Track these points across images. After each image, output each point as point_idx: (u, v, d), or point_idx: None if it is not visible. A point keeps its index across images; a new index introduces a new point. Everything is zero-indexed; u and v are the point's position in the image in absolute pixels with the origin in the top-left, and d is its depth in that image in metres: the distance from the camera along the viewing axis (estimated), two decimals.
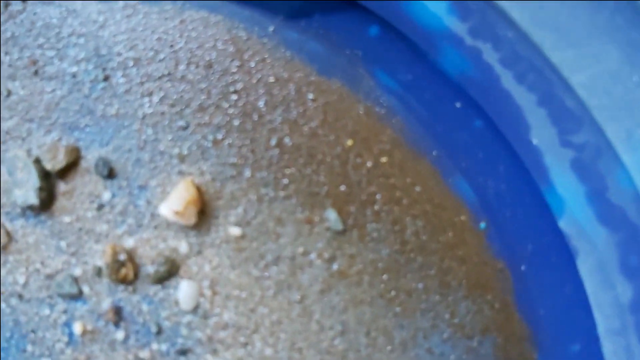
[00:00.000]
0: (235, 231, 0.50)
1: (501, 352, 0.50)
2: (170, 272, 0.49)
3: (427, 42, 0.48)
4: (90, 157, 0.50)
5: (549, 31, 0.42)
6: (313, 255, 0.50)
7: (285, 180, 0.50)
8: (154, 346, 0.49)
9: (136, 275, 0.49)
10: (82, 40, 0.50)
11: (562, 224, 0.46)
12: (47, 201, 0.49)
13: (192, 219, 0.49)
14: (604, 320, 0.46)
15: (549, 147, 0.45)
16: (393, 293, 0.50)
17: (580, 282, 0.46)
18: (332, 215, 0.50)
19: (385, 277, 0.50)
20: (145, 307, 0.49)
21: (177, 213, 0.48)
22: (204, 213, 0.50)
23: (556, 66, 0.43)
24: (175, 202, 0.48)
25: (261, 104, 0.50)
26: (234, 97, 0.50)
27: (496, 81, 0.46)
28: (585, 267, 0.46)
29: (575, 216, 0.46)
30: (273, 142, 0.50)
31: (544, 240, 0.49)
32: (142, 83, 0.50)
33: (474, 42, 0.46)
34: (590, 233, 0.45)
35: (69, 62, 0.50)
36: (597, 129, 0.43)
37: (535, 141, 0.46)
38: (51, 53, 0.51)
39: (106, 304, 0.49)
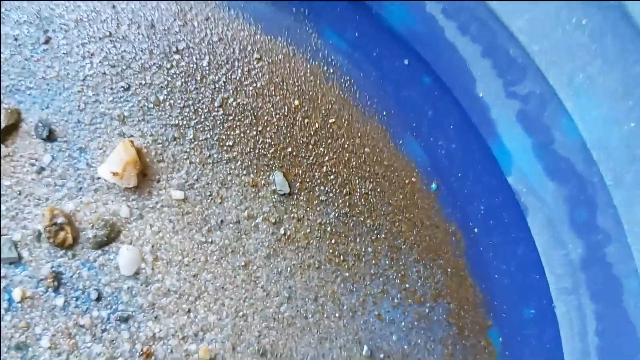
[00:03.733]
0: (177, 194, 0.48)
1: (454, 318, 0.48)
2: (110, 236, 0.48)
3: None
4: (30, 120, 0.49)
5: None
6: (259, 219, 0.49)
7: (230, 142, 0.49)
8: (94, 312, 0.48)
9: (76, 239, 0.48)
10: (24, 3, 0.49)
11: (511, 180, 0.45)
12: None
13: (131, 181, 0.47)
14: (555, 280, 0.44)
15: (495, 100, 0.44)
16: (341, 257, 0.49)
17: (532, 241, 0.45)
18: (278, 177, 0.49)
19: (333, 241, 0.49)
20: (85, 272, 0.48)
21: (115, 174, 0.47)
22: (145, 176, 0.48)
23: (496, 13, 0.41)
24: (113, 163, 0.47)
25: (204, 63, 0.49)
26: (177, 57, 0.49)
27: (440, 33, 0.45)
28: (535, 225, 0.44)
29: (524, 171, 0.44)
30: (217, 102, 0.49)
31: (495, 199, 0.47)
32: (83, 44, 0.49)
33: None
34: (538, 188, 0.44)
35: (10, 26, 0.49)
36: (540, 76, 0.41)
37: (481, 94, 0.44)
38: None
39: (45, 269, 0.48)
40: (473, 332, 0.48)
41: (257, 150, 0.49)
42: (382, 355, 0.48)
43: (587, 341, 0.44)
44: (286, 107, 0.49)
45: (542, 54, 0.40)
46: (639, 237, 0.40)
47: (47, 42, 0.49)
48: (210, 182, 0.49)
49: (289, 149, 0.49)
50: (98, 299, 0.48)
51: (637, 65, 0.38)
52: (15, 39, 0.49)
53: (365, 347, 0.49)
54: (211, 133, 0.49)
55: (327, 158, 0.49)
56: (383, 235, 0.49)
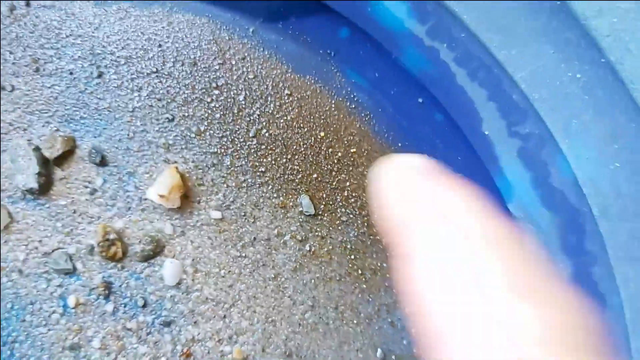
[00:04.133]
0: (215, 214, 0.54)
1: None
2: (155, 251, 0.54)
3: (391, 42, 0.53)
4: (84, 147, 0.55)
5: (494, 32, 0.47)
6: (287, 237, 0.55)
7: (262, 169, 0.55)
8: (140, 318, 0.54)
9: (125, 253, 0.54)
10: (79, 41, 0.55)
11: (512, 207, 0.51)
12: (45, 186, 0.54)
13: (176, 203, 0.53)
14: None
15: (499, 138, 0.50)
16: (359, 271, 0.55)
17: None
18: (305, 200, 0.55)
19: (352, 256, 0.55)
20: (132, 282, 0.54)
21: (162, 197, 0.53)
22: (187, 198, 0.54)
23: (502, 64, 0.47)
24: (160, 187, 0.53)
25: (241, 98, 0.55)
26: (216, 92, 0.55)
27: (452, 78, 0.51)
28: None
29: (523, 200, 0.50)
30: (252, 133, 0.55)
31: None
32: (132, 79, 0.55)
33: (431, 43, 0.51)
34: (535, 216, 0.50)
35: (66, 61, 0.55)
36: (540, 120, 0.47)
37: (486, 132, 0.51)
38: (51, 52, 0.56)
39: (97, 279, 0.54)
40: None
41: (286, 176, 0.55)
42: (393, 358, 0.55)
43: None
44: (313, 138, 0.55)
45: (541, 101, 0.47)
46: (620, 261, 0.46)
47: (99, 76, 0.55)
48: (244, 203, 0.55)
49: (315, 175, 0.55)
50: (144, 305, 0.54)
51: (623, 115, 0.44)
52: (71, 73, 0.55)
53: (379, 351, 0.55)
54: (246, 160, 0.55)
55: (348, 183, 0.55)
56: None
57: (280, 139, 0.55)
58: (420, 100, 0.54)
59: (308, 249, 0.55)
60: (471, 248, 0.18)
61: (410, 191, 0.21)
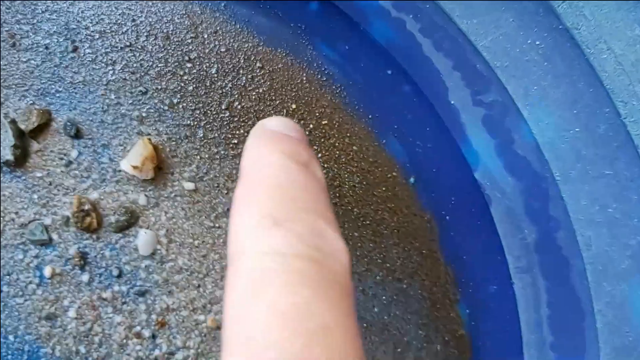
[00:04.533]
0: (189, 186, 0.55)
1: (428, 293, 0.56)
2: (130, 222, 0.55)
3: (359, 14, 0.54)
4: (60, 119, 0.56)
5: (456, 3, 0.48)
6: None
7: (235, 140, 0.56)
8: (115, 287, 0.55)
9: (100, 224, 0.55)
10: (54, 16, 0.56)
11: (478, 175, 0.52)
12: (21, 158, 0.55)
13: (149, 174, 0.54)
14: (513, 261, 0.52)
15: (464, 107, 0.51)
16: None
17: (494, 228, 0.52)
18: None
19: None
20: (107, 252, 0.55)
21: (135, 168, 0.54)
22: (160, 169, 0.55)
23: (465, 33, 0.48)
24: (133, 158, 0.54)
25: (213, 71, 0.56)
26: (189, 65, 0.56)
27: (418, 48, 0.52)
28: (497, 214, 0.52)
29: (488, 168, 0.51)
30: (224, 105, 0.56)
31: (464, 191, 0.55)
32: (106, 53, 0.56)
33: (398, 14, 0.52)
34: (500, 182, 0.51)
35: (42, 35, 0.56)
36: (502, 88, 0.48)
37: (452, 102, 0.52)
38: (27, 27, 0.56)
39: (73, 250, 0.55)
40: (444, 305, 0.56)
41: None
42: (365, 325, 0.56)
43: (540, 312, 0.52)
44: (285, 110, 0.56)
45: (503, 69, 0.48)
46: (582, 224, 0.48)
47: (74, 50, 0.56)
48: (217, 175, 0.56)
49: None
50: (119, 275, 0.55)
51: (581, 80, 0.46)
52: (46, 48, 0.56)
53: None
54: (219, 132, 0.56)
55: (320, 155, 0.56)
56: (367, 222, 0.56)
57: (252, 111, 0.56)
58: (389, 72, 0.55)
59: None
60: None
61: (259, 142, 0.27)
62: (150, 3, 0.56)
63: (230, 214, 0.24)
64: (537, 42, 0.46)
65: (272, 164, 0.25)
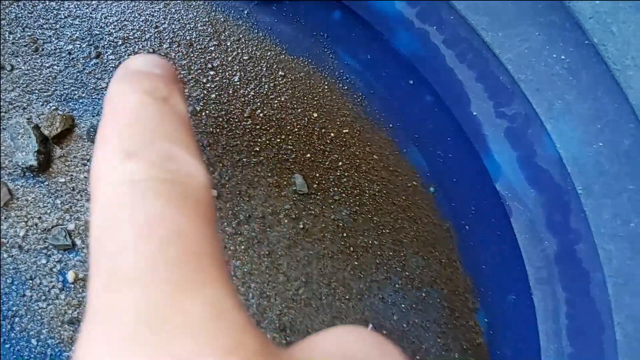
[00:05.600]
0: (211, 192, 0.56)
1: (447, 302, 0.57)
2: None
3: (382, 24, 0.54)
4: (83, 125, 0.56)
5: (482, 15, 0.48)
6: (281, 215, 0.56)
7: (257, 148, 0.56)
8: None
9: None
10: (77, 21, 0.56)
11: (499, 186, 0.53)
12: (44, 163, 0.55)
13: None
14: (533, 272, 0.52)
15: (487, 118, 0.52)
16: (352, 249, 0.57)
17: (514, 239, 0.53)
18: (298, 179, 0.56)
19: (344, 234, 0.57)
20: None
21: None
22: None
23: (490, 46, 0.49)
24: None
25: (236, 79, 0.56)
26: (212, 72, 0.56)
27: (441, 60, 0.52)
28: (517, 225, 0.52)
29: (509, 179, 0.52)
30: (246, 113, 0.56)
31: (484, 202, 0.55)
32: None
33: (422, 25, 0.52)
34: (521, 194, 0.51)
35: (65, 41, 0.56)
36: (526, 101, 0.49)
37: (474, 113, 0.52)
38: (50, 32, 0.57)
39: None
40: (462, 314, 0.57)
41: (280, 156, 0.56)
42: (384, 332, 0.56)
43: (559, 323, 0.52)
44: (306, 119, 0.57)
45: (527, 82, 0.48)
46: (603, 238, 0.48)
47: (97, 56, 0.56)
48: (239, 182, 0.56)
49: (308, 155, 0.57)
50: None
51: (605, 96, 0.46)
52: (69, 53, 0.56)
53: (370, 325, 0.57)
54: (241, 140, 0.56)
55: (340, 163, 0.57)
56: (387, 231, 0.57)
57: (274, 119, 0.56)
58: (411, 82, 0.56)
59: (301, 226, 0.56)
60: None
61: (119, 81, 0.29)
62: (173, 10, 0.56)
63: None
64: (563, 57, 0.47)
65: (130, 101, 0.27)
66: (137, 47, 0.56)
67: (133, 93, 0.27)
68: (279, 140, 0.56)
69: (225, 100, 0.56)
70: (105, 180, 0.24)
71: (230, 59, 0.56)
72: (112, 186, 0.23)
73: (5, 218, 0.56)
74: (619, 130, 0.46)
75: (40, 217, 0.56)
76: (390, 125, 0.56)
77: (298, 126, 0.56)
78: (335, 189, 0.56)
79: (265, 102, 0.56)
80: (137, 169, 0.23)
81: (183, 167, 0.24)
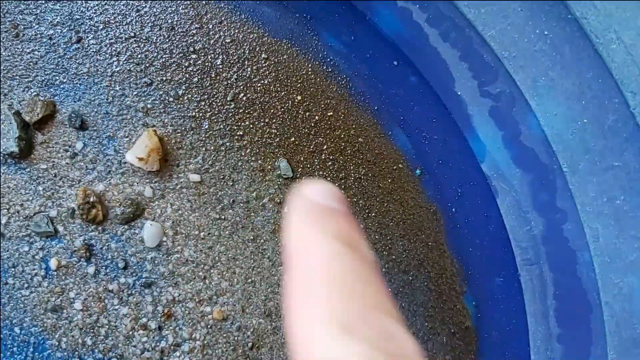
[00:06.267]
0: (194, 177, 0.55)
1: (434, 285, 0.56)
2: (135, 213, 0.55)
3: (365, 4, 0.53)
4: (64, 111, 0.55)
5: None
6: (265, 200, 0.56)
7: (241, 132, 0.56)
8: (122, 280, 0.55)
9: (105, 216, 0.55)
10: (57, 6, 0.56)
11: (484, 167, 0.52)
12: (26, 150, 0.55)
13: (155, 166, 0.54)
14: (520, 252, 0.51)
15: (471, 98, 0.51)
16: None
17: (501, 220, 0.52)
18: (283, 163, 0.56)
19: None
20: (113, 244, 0.55)
21: (140, 159, 0.53)
22: (166, 161, 0.55)
23: (472, 23, 0.48)
24: (139, 150, 0.54)
25: (218, 62, 0.55)
26: (194, 56, 0.55)
27: (425, 39, 0.52)
28: (504, 206, 0.52)
29: (495, 159, 0.51)
30: (229, 97, 0.56)
31: (470, 183, 0.55)
32: (111, 44, 0.55)
33: (404, 4, 0.51)
34: (507, 174, 0.51)
35: (46, 26, 0.56)
36: (509, 79, 0.48)
37: (459, 92, 0.51)
38: (30, 18, 0.56)
39: (78, 242, 0.55)
40: (450, 297, 0.56)
41: (264, 140, 0.56)
42: None
43: (547, 304, 0.51)
44: (290, 102, 0.56)
45: (510, 59, 0.48)
46: (590, 216, 0.47)
47: (78, 41, 0.56)
48: (223, 167, 0.56)
49: (293, 139, 0.56)
50: (125, 267, 0.55)
51: (589, 71, 0.45)
52: (50, 39, 0.55)
53: None
54: (224, 124, 0.56)
55: (325, 147, 0.56)
56: (373, 214, 0.56)
57: (257, 102, 0.56)
58: (395, 62, 0.55)
59: (287, 211, 0.55)
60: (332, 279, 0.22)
61: (304, 221, 0.24)
62: None
63: (286, 309, 0.22)
64: (546, 32, 0.46)
65: (323, 251, 0.23)
66: (118, 31, 0.55)
67: (322, 238, 0.23)
68: (262, 123, 0.56)
69: (207, 84, 0.55)
70: (320, 355, 0.21)
71: (212, 41, 0.55)
72: None
73: None
74: (603, 106, 0.45)
75: (22, 204, 0.55)
76: (375, 107, 0.56)
77: (282, 109, 0.56)
78: (321, 172, 0.56)
79: (248, 85, 0.55)
80: (357, 350, 0.20)
81: (401, 347, 0.21)
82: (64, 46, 0.55)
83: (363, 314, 0.21)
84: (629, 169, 0.45)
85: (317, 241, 0.23)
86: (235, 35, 0.56)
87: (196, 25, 0.55)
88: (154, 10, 0.55)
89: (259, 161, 0.56)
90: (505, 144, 0.51)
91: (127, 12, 0.55)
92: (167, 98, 0.55)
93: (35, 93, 0.55)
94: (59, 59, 0.55)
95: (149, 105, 0.55)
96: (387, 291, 0.24)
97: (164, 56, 0.55)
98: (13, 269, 0.55)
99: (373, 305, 0.22)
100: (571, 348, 0.50)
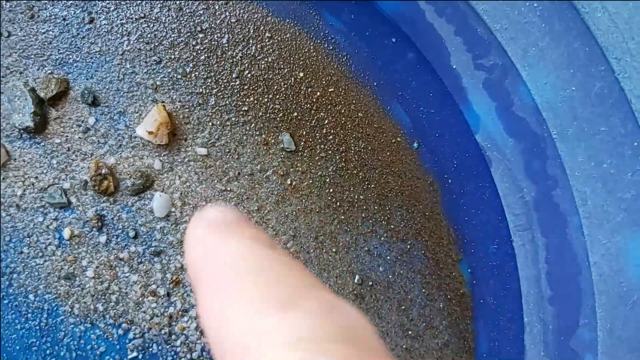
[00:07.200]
0: (201, 151, 0.58)
1: (431, 253, 0.58)
2: (145, 185, 0.57)
3: None
4: (77, 88, 0.58)
5: None
6: (269, 172, 0.58)
7: (245, 108, 0.58)
8: (132, 248, 0.57)
9: (116, 188, 0.57)
10: None
11: (479, 137, 0.54)
12: (40, 125, 0.57)
13: (164, 140, 0.57)
14: (513, 219, 0.54)
15: (466, 71, 0.53)
16: (338, 203, 0.58)
17: (495, 188, 0.54)
18: (286, 137, 0.58)
19: (331, 190, 0.58)
20: (124, 215, 0.58)
21: (150, 133, 0.56)
22: (174, 135, 0.58)
23: None
24: (148, 124, 0.56)
25: (224, 41, 0.58)
26: (201, 35, 0.58)
27: (421, 15, 0.54)
28: (497, 174, 0.54)
29: (489, 130, 0.53)
30: (235, 74, 0.58)
31: (465, 154, 0.57)
32: (121, 24, 0.58)
33: None
34: (500, 144, 0.53)
35: (59, 7, 0.59)
36: (502, 51, 0.50)
37: (454, 66, 0.54)
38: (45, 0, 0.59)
39: (91, 213, 0.57)
40: (446, 264, 0.58)
41: (268, 115, 0.58)
42: (370, 283, 0.58)
43: (539, 268, 0.54)
44: (293, 78, 0.58)
45: (502, 31, 0.50)
46: (578, 180, 0.49)
47: (91, 22, 0.58)
48: (228, 141, 0.58)
49: (295, 114, 0.58)
50: (135, 237, 0.58)
51: (577, 40, 0.48)
52: (64, 19, 0.58)
53: (357, 276, 0.58)
54: (230, 100, 0.58)
55: (326, 121, 0.58)
56: (373, 186, 0.58)
57: (261, 79, 0.58)
58: (393, 39, 0.58)
59: (289, 183, 0.58)
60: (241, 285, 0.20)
61: (203, 244, 0.23)
62: None
63: (207, 327, 0.20)
64: (535, 5, 0.48)
65: (237, 248, 0.21)
66: (128, 11, 0.58)
67: (236, 239, 0.22)
68: (266, 99, 0.58)
69: (214, 62, 0.58)
70: (265, 341, 0.18)
71: (218, 21, 0.58)
72: (279, 351, 0.18)
73: (3, 178, 0.58)
74: (590, 74, 0.47)
75: (36, 177, 0.58)
76: (375, 84, 0.58)
77: (285, 86, 0.58)
78: (322, 146, 0.58)
79: (252, 62, 0.58)
80: (305, 323, 0.18)
81: (346, 317, 0.19)
82: (77, 26, 0.58)
83: (298, 291, 0.20)
84: (614, 134, 0.47)
85: (228, 241, 0.21)
86: (241, 15, 0.58)
87: (203, 6, 0.58)
88: None
89: (263, 135, 0.58)
90: (499, 115, 0.53)
91: None
92: (175, 75, 0.58)
93: (50, 71, 0.58)
94: (72, 39, 0.58)
95: (158, 82, 0.58)
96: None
97: (173, 35, 0.58)
98: (28, 239, 0.57)
99: (305, 284, 0.20)
100: (562, 308, 0.52)
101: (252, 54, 0.58)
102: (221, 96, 0.58)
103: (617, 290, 0.48)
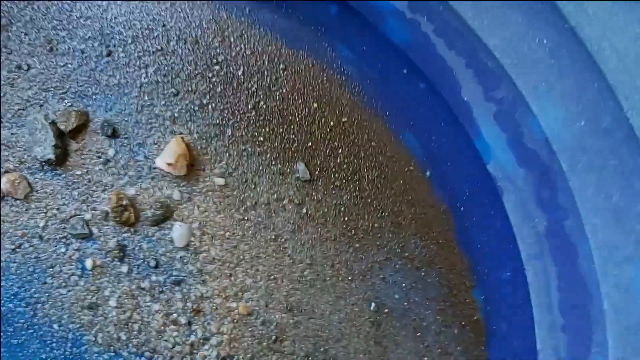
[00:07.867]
0: (219, 181, 0.59)
1: (445, 280, 0.59)
2: (165, 215, 0.59)
3: (376, 16, 0.57)
4: (97, 120, 0.59)
5: (468, 5, 0.51)
6: (285, 201, 0.60)
7: (261, 138, 0.60)
8: (153, 277, 0.59)
9: (137, 218, 0.59)
10: (89, 22, 0.60)
11: (490, 167, 0.55)
12: (61, 157, 0.59)
13: (183, 171, 0.58)
14: (525, 248, 0.55)
15: (477, 103, 0.54)
16: (353, 232, 0.60)
17: (507, 217, 0.55)
18: (301, 167, 0.59)
19: (346, 218, 0.60)
20: (145, 245, 0.59)
21: (170, 165, 0.57)
22: (192, 166, 0.59)
23: (476, 32, 0.52)
24: (168, 155, 0.58)
25: (240, 73, 0.59)
26: (217, 67, 0.59)
27: (432, 48, 0.55)
28: (509, 204, 0.55)
29: (500, 160, 0.55)
30: (250, 105, 0.59)
31: (477, 183, 0.58)
32: (139, 57, 0.60)
33: (413, 16, 0.55)
34: (511, 174, 0.54)
35: (78, 41, 0.60)
36: (512, 84, 0.52)
37: (465, 98, 0.55)
38: (63, 33, 0.60)
39: (112, 243, 0.59)
40: (460, 291, 0.59)
41: (283, 145, 0.60)
42: (386, 310, 0.59)
43: (551, 296, 0.55)
44: (307, 109, 0.60)
45: (512, 66, 0.51)
46: (589, 212, 0.50)
47: (109, 55, 0.60)
48: (245, 171, 0.60)
49: (309, 143, 0.60)
50: (156, 266, 0.59)
51: (585, 74, 0.49)
52: (82, 52, 0.60)
53: (373, 304, 0.60)
54: (246, 131, 0.59)
55: (340, 150, 0.60)
56: (386, 214, 0.60)
57: (276, 110, 0.59)
58: (404, 71, 0.59)
59: (305, 211, 0.59)
60: None
61: None
62: (179, 9, 0.59)
63: None
64: (545, 41, 0.49)
65: None
66: (146, 44, 0.59)
67: None
68: (281, 130, 0.59)
69: (230, 94, 0.59)
70: None
71: (233, 54, 0.59)
72: None
73: (25, 210, 0.59)
74: (599, 109, 0.48)
75: (58, 208, 0.59)
76: (387, 113, 0.59)
77: (299, 116, 0.59)
78: (336, 175, 0.59)
79: (267, 94, 0.59)
80: None
81: None
82: (96, 59, 0.59)
83: None
84: (623, 167, 0.48)
85: None
86: (255, 48, 0.60)
87: (218, 39, 0.59)
88: (179, 25, 0.59)
89: (279, 165, 0.59)
90: (510, 146, 0.54)
91: (153, 27, 0.59)
92: (192, 107, 0.59)
93: (70, 104, 0.60)
94: (91, 72, 0.59)
95: (175, 114, 0.59)
96: None
97: (189, 68, 0.59)
98: (51, 269, 0.59)
99: None
100: (574, 337, 0.53)
101: (267, 85, 0.59)
102: (237, 127, 0.59)
103: (628, 320, 0.49)
